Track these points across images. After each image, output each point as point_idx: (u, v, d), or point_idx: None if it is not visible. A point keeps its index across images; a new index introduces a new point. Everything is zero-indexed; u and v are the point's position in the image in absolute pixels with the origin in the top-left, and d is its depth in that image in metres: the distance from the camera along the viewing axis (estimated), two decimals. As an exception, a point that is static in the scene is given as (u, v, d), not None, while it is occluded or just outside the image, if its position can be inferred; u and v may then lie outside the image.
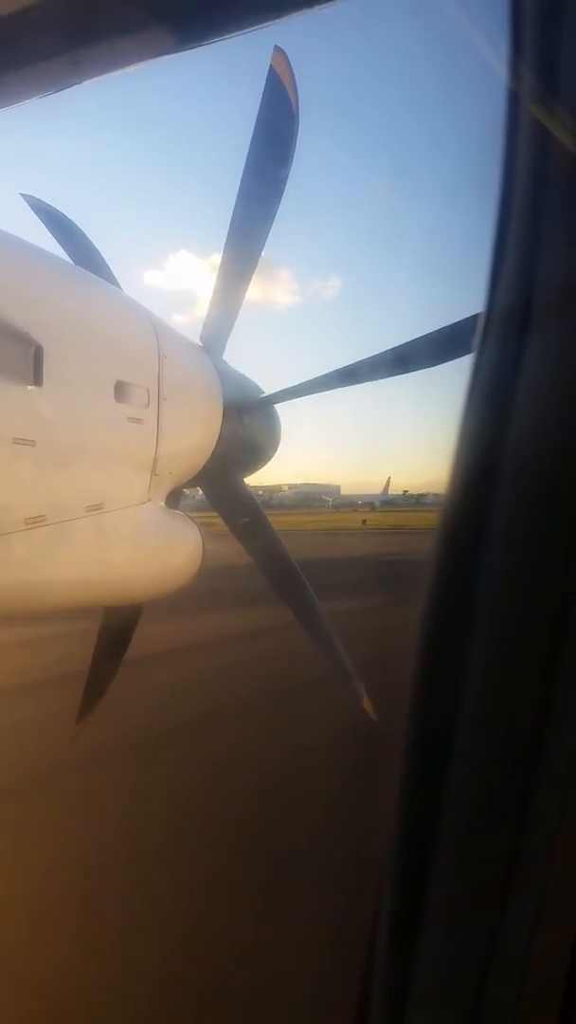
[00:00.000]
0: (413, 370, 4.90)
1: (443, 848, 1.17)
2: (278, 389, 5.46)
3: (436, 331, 4.53)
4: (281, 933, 5.47)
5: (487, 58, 1.30)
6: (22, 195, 6.20)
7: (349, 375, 5.06)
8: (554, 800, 1.14)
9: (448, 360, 4.54)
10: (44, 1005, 4.40)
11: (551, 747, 1.13)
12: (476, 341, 1.24)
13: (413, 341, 4.78)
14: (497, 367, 1.20)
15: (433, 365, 4.75)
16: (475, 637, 1.16)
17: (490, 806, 1.18)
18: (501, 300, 1.22)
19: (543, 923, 1.16)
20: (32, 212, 6.02)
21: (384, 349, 4.93)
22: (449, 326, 4.43)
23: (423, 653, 1.22)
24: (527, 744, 1.14)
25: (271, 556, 5.42)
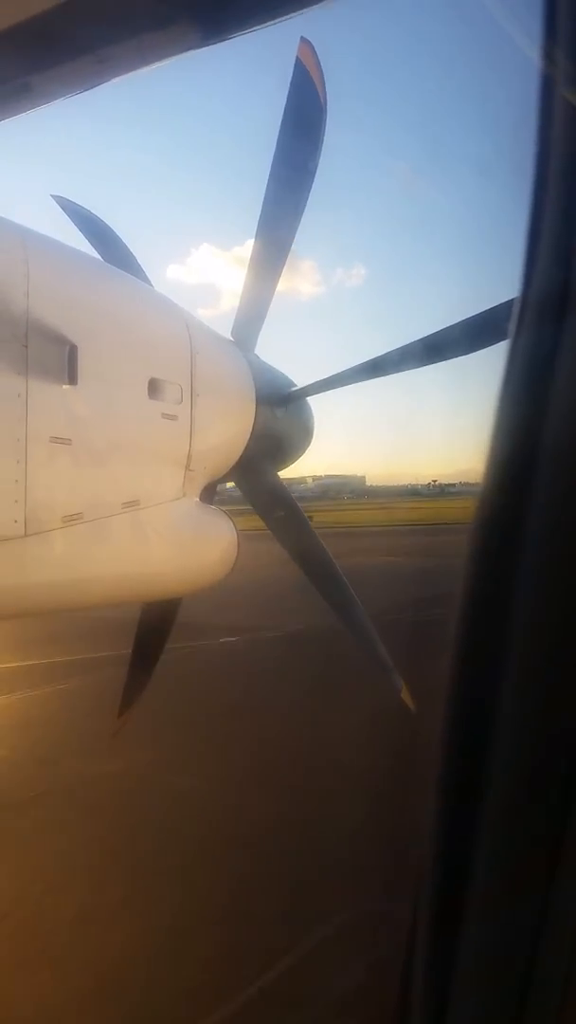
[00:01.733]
0: (445, 359, 4.85)
1: (484, 835, 1.16)
2: (304, 380, 5.45)
3: (469, 318, 4.49)
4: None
5: (518, 41, 1.28)
6: (52, 196, 6.24)
7: (380, 366, 5.03)
8: None
9: (481, 348, 4.49)
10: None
11: None
12: (511, 328, 1.22)
13: (444, 330, 4.74)
14: (533, 354, 1.18)
15: (466, 353, 4.70)
16: (513, 627, 1.15)
17: (531, 793, 1.16)
18: (537, 286, 1.20)
19: None
20: (63, 212, 6.08)
21: (410, 338, 4.90)
22: (482, 313, 4.38)
23: (462, 641, 1.21)
24: (568, 729, 1.12)
25: (307, 550, 5.40)
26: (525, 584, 1.14)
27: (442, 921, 1.20)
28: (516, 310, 1.21)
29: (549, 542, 1.15)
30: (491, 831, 1.16)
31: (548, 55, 1.19)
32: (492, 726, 1.15)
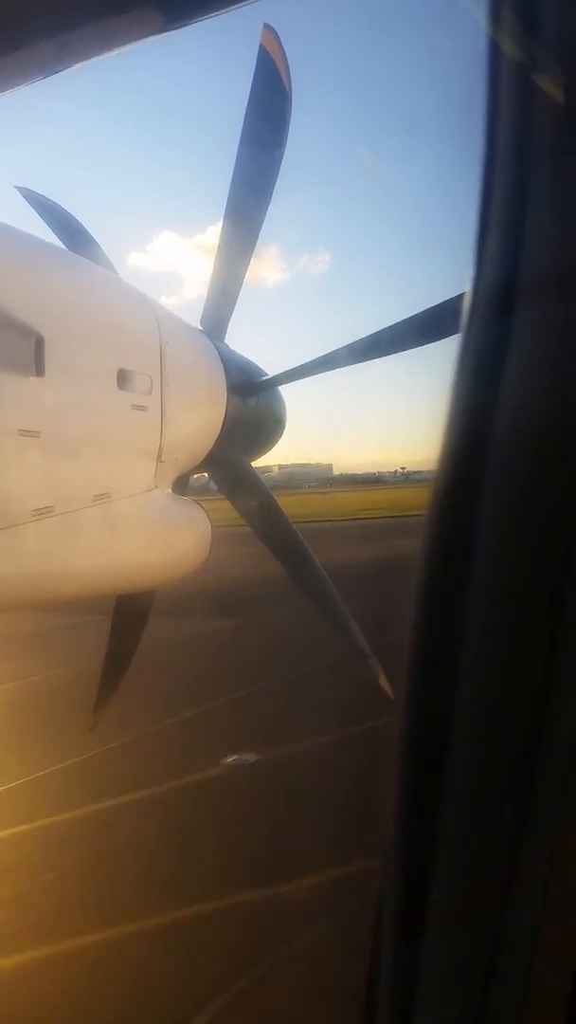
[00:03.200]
0: (412, 347, 4.87)
1: (445, 845, 1.17)
2: (272, 369, 5.45)
3: (425, 311, 4.51)
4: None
5: (475, 28, 1.27)
6: (16, 187, 6.17)
7: (351, 354, 5.04)
8: (556, 795, 1.13)
9: (439, 339, 4.52)
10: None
11: (552, 739, 1.12)
12: (462, 321, 1.22)
13: (404, 321, 4.76)
14: (483, 347, 1.19)
15: (431, 342, 4.72)
16: (470, 621, 1.15)
17: (492, 801, 1.17)
18: (487, 279, 1.20)
19: (548, 919, 1.15)
20: (26, 202, 6.01)
21: (379, 324, 4.92)
22: (437, 306, 4.40)
23: (417, 641, 1.21)
24: (528, 737, 1.12)
25: (282, 538, 5.41)
26: (480, 572, 1.15)
27: (403, 933, 1.20)
28: (467, 303, 1.22)
29: (502, 528, 1.16)
30: (450, 843, 1.17)
31: (503, 39, 1.18)
32: (450, 734, 1.15)
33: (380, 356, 5.08)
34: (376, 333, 4.93)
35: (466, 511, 1.15)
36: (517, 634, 1.14)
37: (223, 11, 1.49)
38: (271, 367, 5.48)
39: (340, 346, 5.05)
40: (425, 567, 1.20)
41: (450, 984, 1.20)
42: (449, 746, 1.15)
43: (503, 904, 1.14)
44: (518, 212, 1.17)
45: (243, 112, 4.82)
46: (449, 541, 1.20)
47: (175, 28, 1.55)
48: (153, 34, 1.55)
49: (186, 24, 1.53)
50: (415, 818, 1.21)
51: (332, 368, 5.13)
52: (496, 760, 1.16)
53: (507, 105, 1.18)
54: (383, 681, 5.25)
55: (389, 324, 4.88)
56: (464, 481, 1.17)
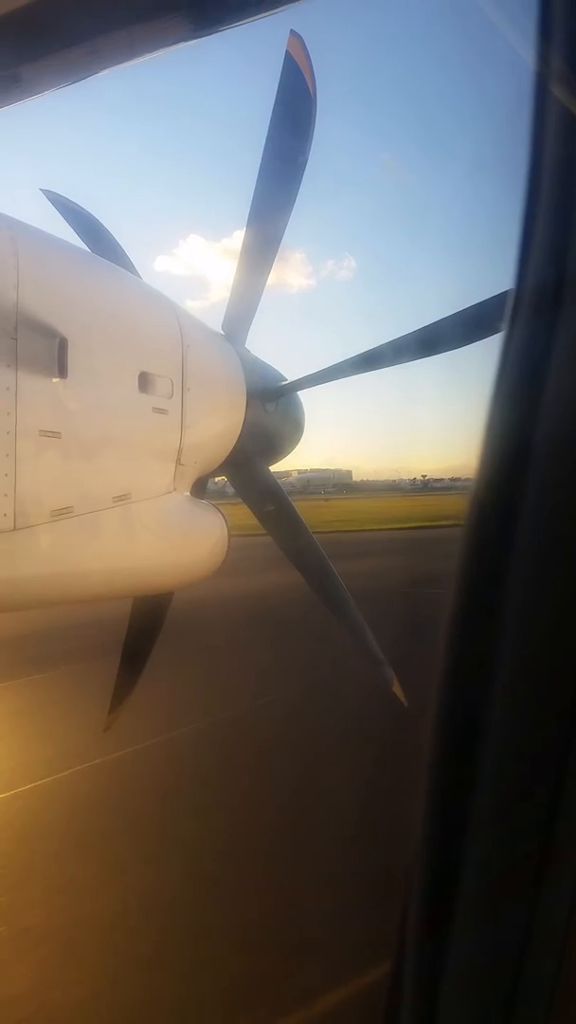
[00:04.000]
0: (439, 352, 4.86)
1: (475, 835, 1.16)
2: (294, 374, 5.46)
3: (461, 311, 4.50)
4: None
5: (510, 33, 1.28)
6: (42, 191, 6.22)
7: (372, 360, 5.04)
8: None
9: (474, 341, 4.51)
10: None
11: None
12: (505, 321, 1.21)
13: (437, 322, 4.75)
14: (527, 348, 1.17)
15: (460, 347, 4.72)
16: (505, 627, 1.14)
17: (522, 791, 1.16)
18: (531, 277, 1.19)
19: None
20: (51, 205, 6.06)
21: (403, 331, 4.91)
22: (474, 306, 4.39)
23: (452, 642, 1.20)
24: (560, 727, 1.12)
25: (299, 544, 5.42)
26: (517, 582, 1.13)
27: (431, 925, 1.19)
28: (510, 303, 1.20)
29: (541, 535, 1.14)
30: (480, 833, 1.16)
31: (541, 48, 1.18)
32: (482, 728, 1.15)
33: (401, 362, 5.08)
34: (397, 339, 4.93)
35: (505, 520, 1.14)
36: (554, 637, 1.14)
37: (250, 19, 1.51)
38: (293, 372, 5.50)
39: (360, 352, 5.05)
40: (462, 568, 1.20)
41: (476, 980, 1.19)
42: (480, 734, 1.15)
43: (532, 898, 1.13)
44: (563, 213, 1.17)
45: (268, 118, 4.84)
46: (486, 551, 1.18)
47: (203, 36, 1.57)
48: (181, 41, 1.58)
49: (214, 32, 1.55)
50: (445, 812, 1.20)
51: (352, 374, 5.13)
52: (526, 756, 1.15)
53: (549, 109, 1.17)
54: (397, 689, 5.24)
55: (408, 331, 4.89)
56: (504, 489, 1.15)
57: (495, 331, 4.45)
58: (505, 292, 1.25)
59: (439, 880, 1.20)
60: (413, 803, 1.23)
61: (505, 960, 1.16)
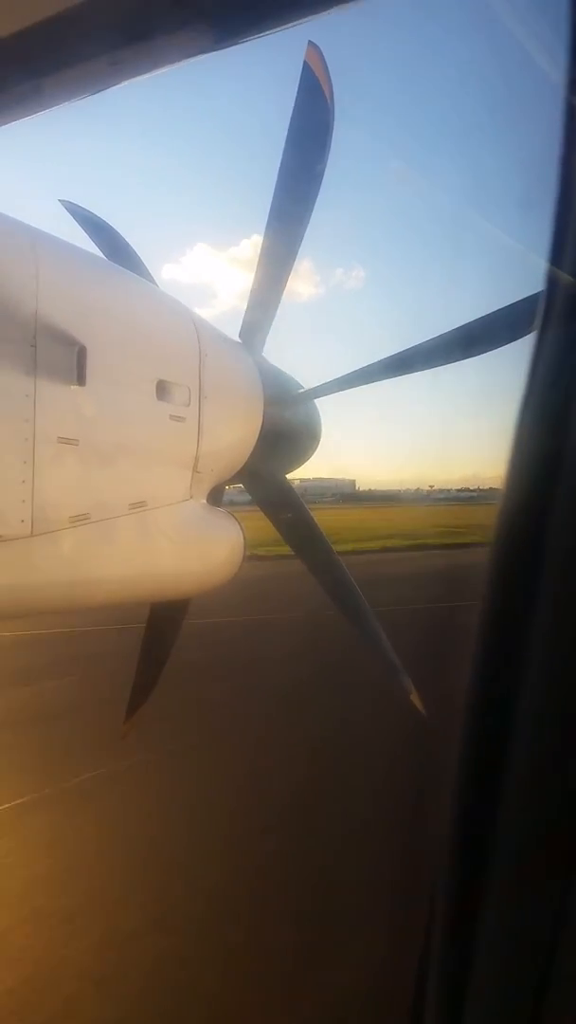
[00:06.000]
0: (453, 361, 4.86)
1: (504, 822, 1.14)
2: (303, 383, 5.47)
3: (485, 316, 4.50)
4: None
5: (521, 41, 1.28)
6: (60, 201, 6.28)
7: (387, 368, 5.04)
8: None
9: (502, 345, 4.50)
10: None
11: None
12: (535, 323, 1.18)
13: (451, 332, 4.75)
14: (560, 351, 1.15)
15: (477, 354, 4.72)
16: (536, 625, 1.11)
17: (553, 775, 1.13)
18: (564, 281, 1.16)
19: None
20: (70, 216, 6.11)
21: (411, 342, 4.92)
22: (502, 309, 4.39)
23: (483, 639, 1.18)
24: None
25: (315, 552, 5.42)
26: (546, 589, 1.11)
27: (460, 910, 1.17)
28: (541, 306, 1.17)
29: (572, 546, 1.12)
30: (511, 818, 1.14)
31: (557, 54, 1.18)
32: (512, 712, 1.13)
33: (416, 370, 5.07)
34: (412, 348, 4.93)
35: (535, 532, 1.11)
36: None
37: (269, 32, 1.52)
38: (303, 381, 5.51)
39: (375, 360, 5.05)
40: (491, 580, 1.18)
41: (506, 964, 1.16)
42: (511, 726, 1.13)
43: (564, 884, 1.11)
44: None
45: (278, 128, 4.87)
46: (515, 563, 1.16)
47: (222, 48, 1.58)
48: (201, 53, 1.59)
49: (233, 44, 1.56)
50: (475, 797, 1.18)
51: (368, 382, 5.13)
52: (556, 743, 1.13)
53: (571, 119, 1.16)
54: (415, 699, 5.22)
55: (423, 340, 4.89)
56: (534, 500, 1.13)
57: (523, 335, 4.44)
58: (535, 295, 1.23)
59: (469, 867, 1.18)
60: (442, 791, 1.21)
61: (536, 947, 1.14)
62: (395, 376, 5.10)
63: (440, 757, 1.26)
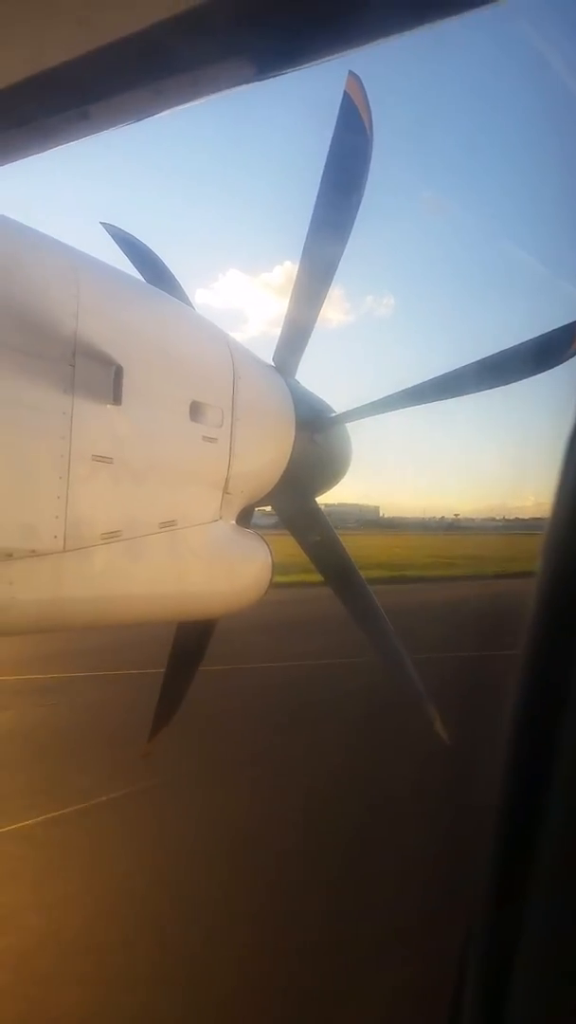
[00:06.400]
0: (489, 388, 4.88)
1: (551, 809, 1.11)
2: (338, 409, 5.49)
3: (522, 343, 4.52)
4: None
5: (550, 62, 1.30)
6: (101, 223, 6.39)
7: (419, 394, 5.06)
8: None
9: (539, 372, 4.51)
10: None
11: None
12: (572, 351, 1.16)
13: (485, 359, 4.78)
14: None
15: (510, 382, 4.73)
16: None
17: None
18: None
19: None
20: (110, 237, 6.21)
21: (441, 369, 4.95)
22: (540, 336, 4.40)
23: (529, 659, 1.15)
24: None
25: (343, 576, 5.42)
26: None
27: (504, 898, 1.15)
28: None
29: None
30: (558, 805, 1.11)
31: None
32: (563, 697, 1.09)
33: (446, 397, 5.10)
34: (444, 375, 4.95)
35: None
36: None
37: (309, 65, 1.55)
38: (333, 407, 5.53)
39: (409, 385, 5.08)
40: (537, 615, 1.14)
41: (550, 953, 1.13)
42: (560, 710, 1.09)
43: None
44: None
45: (320, 156, 4.92)
46: (562, 593, 1.12)
47: (263, 79, 1.62)
48: (243, 83, 1.63)
49: (274, 76, 1.60)
50: (523, 784, 1.14)
51: (399, 407, 5.16)
52: None
53: None
54: (439, 727, 5.18)
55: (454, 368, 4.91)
56: None
57: (561, 362, 4.46)
58: (573, 323, 1.22)
59: (513, 851, 1.15)
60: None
61: None
62: (428, 402, 5.12)
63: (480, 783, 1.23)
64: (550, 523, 1.13)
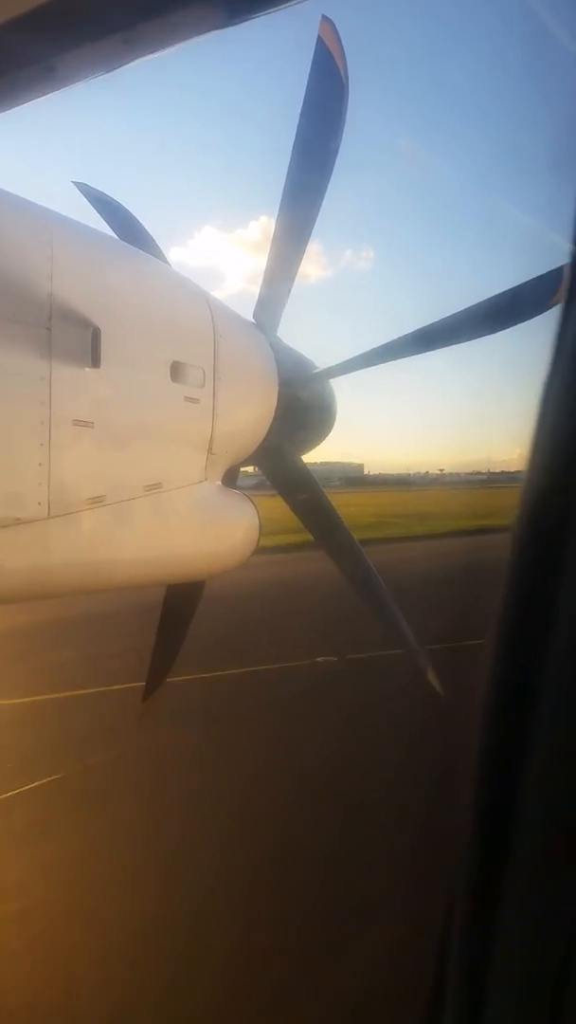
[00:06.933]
0: (478, 336, 4.86)
1: (525, 808, 1.11)
2: (320, 365, 5.44)
3: (485, 300, 4.48)
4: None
5: (534, 10, 1.26)
6: (73, 182, 6.25)
7: (401, 348, 5.02)
8: None
9: (523, 320, 4.48)
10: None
11: None
12: (559, 298, 1.14)
13: (462, 311, 4.74)
14: None
15: (488, 334, 4.70)
16: (559, 615, 1.07)
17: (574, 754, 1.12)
18: None
19: None
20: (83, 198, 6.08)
21: (422, 322, 4.90)
22: (523, 284, 4.36)
23: (503, 625, 1.14)
24: None
25: (330, 532, 5.42)
26: (572, 578, 1.06)
27: (480, 898, 1.16)
28: (567, 280, 1.12)
29: None
30: (532, 804, 1.11)
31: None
32: (534, 697, 1.10)
33: (429, 350, 5.06)
34: (425, 327, 4.91)
35: (560, 516, 1.07)
36: None
37: (281, 7, 1.50)
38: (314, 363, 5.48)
39: (392, 338, 5.03)
40: (512, 572, 1.13)
41: (527, 953, 1.14)
42: (532, 705, 1.09)
43: None
44: None
45: (295, 105, 4.80)
46: (539, 546, 1.12)
47: (233, 24, 1.57)
48: (212, 30, 1.57)
49: (245, 19, 1.55)
50: (497, 781, 1.15)
51: (382, 362, 5.11)
52: None
53: None
54: (432, 676, 5.23)
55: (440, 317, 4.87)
56: (559, 481, 1.08)
57: (547, 308, 4.42)
58: (560, 268, 1.19)
59: (489, 851, 1.16)
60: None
61: (557, 936, 1.11)
62: (414, 354, 5.08)
63: (459, 744, 1.23)
64: (526, 473, 1.12)
